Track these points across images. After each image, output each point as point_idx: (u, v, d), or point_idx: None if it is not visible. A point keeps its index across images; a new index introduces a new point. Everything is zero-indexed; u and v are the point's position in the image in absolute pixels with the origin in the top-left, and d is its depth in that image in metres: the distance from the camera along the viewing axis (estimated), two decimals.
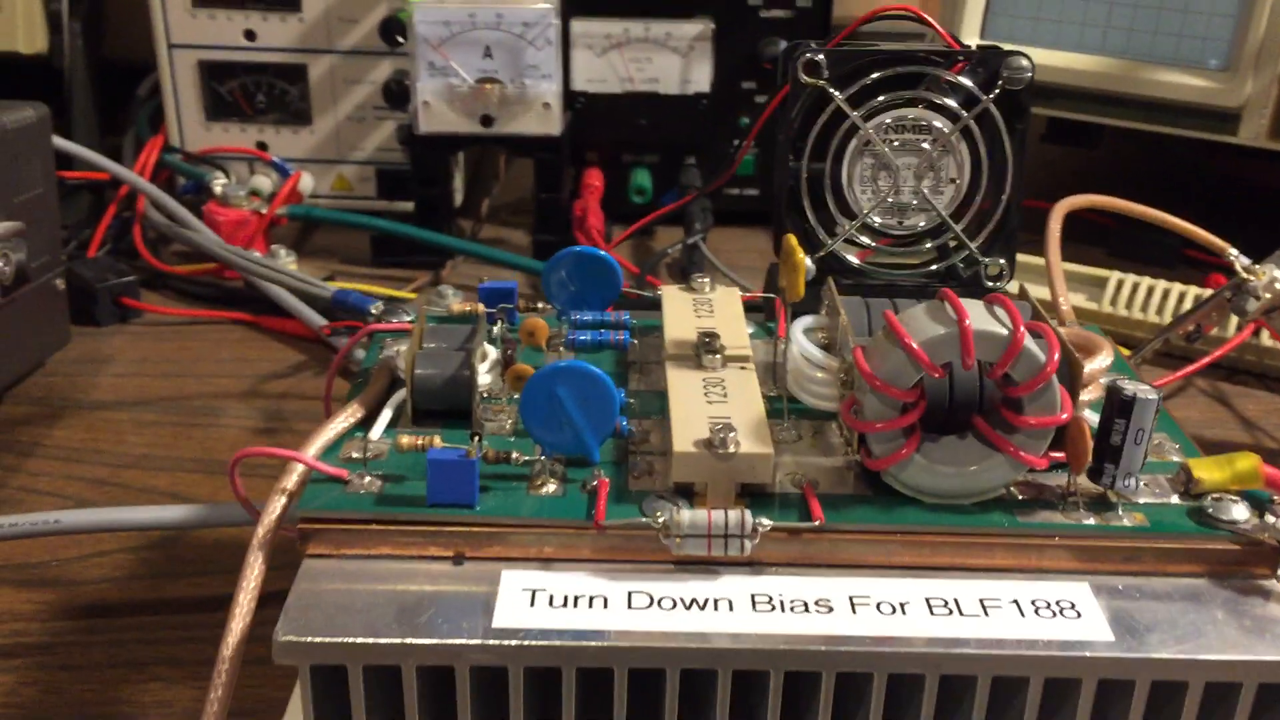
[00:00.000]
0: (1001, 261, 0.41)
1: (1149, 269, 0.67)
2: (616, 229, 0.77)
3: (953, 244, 0.41)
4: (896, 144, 0.40)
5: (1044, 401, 0.31)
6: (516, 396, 0.35)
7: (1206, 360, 0.56)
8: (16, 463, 0.50)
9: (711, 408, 0.33)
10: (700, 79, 0.77)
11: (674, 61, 0.76)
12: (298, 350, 0.61)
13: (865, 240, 0.41)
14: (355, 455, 0.33)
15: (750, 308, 0.41)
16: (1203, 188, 0.89)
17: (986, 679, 0.28)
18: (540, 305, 0.42)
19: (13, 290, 0.53)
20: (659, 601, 0.29)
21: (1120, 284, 0.64)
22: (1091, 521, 0.31)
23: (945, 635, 0.28)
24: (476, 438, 0.32)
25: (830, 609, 0.29)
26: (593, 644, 0.28)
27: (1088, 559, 0.31)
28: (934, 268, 0.42)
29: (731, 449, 0.31)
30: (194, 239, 0.66)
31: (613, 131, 0.78)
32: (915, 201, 0.40)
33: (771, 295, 0.43)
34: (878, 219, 0.41)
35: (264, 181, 0.73)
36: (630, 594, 0.29)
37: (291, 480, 0.32)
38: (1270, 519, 0.31)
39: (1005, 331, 0.30)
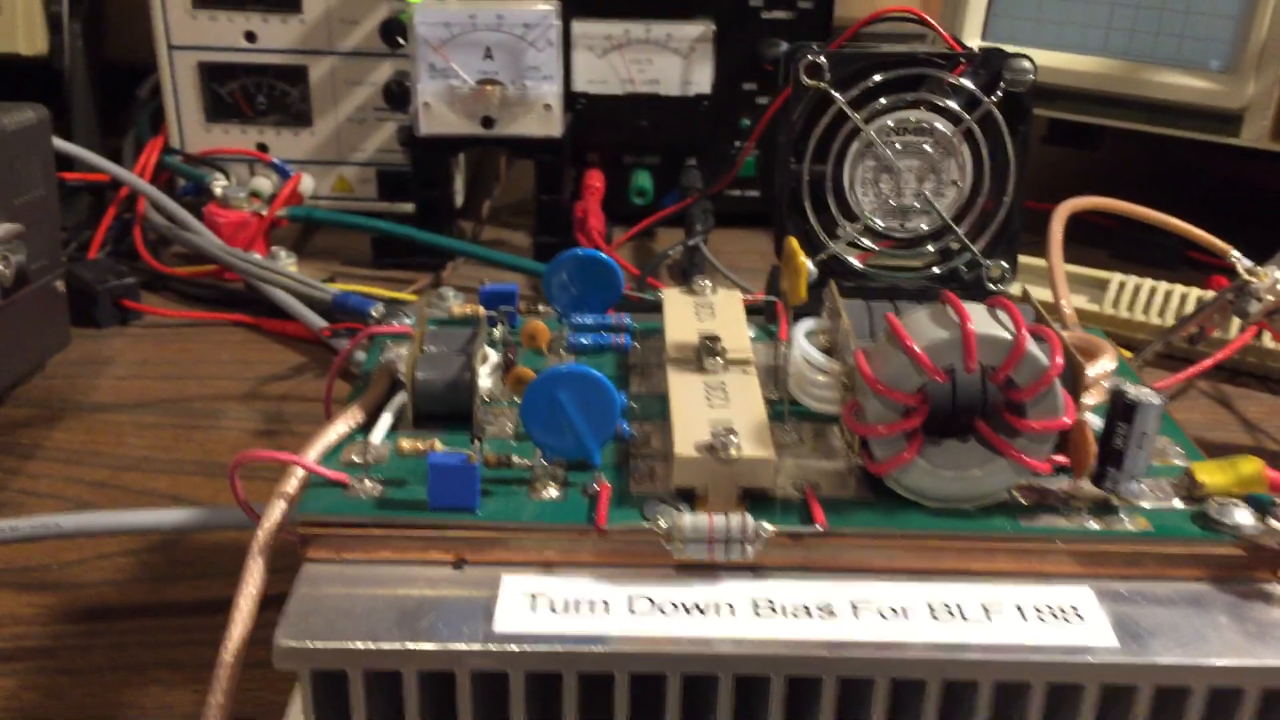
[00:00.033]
0: (1004, 264, 0.41)
1: (1151, 271, 0.67)
2: (617, 231, 0.77)
3: (955, 246, 0.41)
4: (898, 146, 0.40)
5: (1047, 405, 0.30)
6: (517, 400, 0.35)
7: (1209, 362, 0.56)
8: (17, 465, 0.50)
9: (713, 411, 0.33)
10: (701, 80, 0.77)
11: (675, 63, 0.76)
12: (298, 352, 0.61)
13: (867, 243, 0.41)
14: (356, 459, 0.33)
15: (752, 310, 0.41)
16: (1205, 189, 0.89)
17: (989, 684, 0.28)
18: (541, 307, 0.42)
19: (13, 292, 0.52)
20: (660, 606, 0.29)
21: (1122, 286, 0.64)
22: (1094, 526, 0.31)
23: (948, 640, 0.28)
24: (477, 442, 0.32)
25: (832, 614, 0.29)
26: (594, 649, 0.28)
27: (1090, 563, 0.31)
28: (936, 270, 0.41)
29: (733, 453, 0.31)
30: (194, 241, 0.66)
31: (614, 133, 0.78)
32: (917, 204, 0.40)
33: (773, 298, 0.43)
34: (879, 221, 0.41)
35: (264, 183, 0.73)
36: (631, 599, 0.29)
37: (292, 484, 0.32)
38: (1274, 522, 0.31)
39: (1008, 335, 0.30)
